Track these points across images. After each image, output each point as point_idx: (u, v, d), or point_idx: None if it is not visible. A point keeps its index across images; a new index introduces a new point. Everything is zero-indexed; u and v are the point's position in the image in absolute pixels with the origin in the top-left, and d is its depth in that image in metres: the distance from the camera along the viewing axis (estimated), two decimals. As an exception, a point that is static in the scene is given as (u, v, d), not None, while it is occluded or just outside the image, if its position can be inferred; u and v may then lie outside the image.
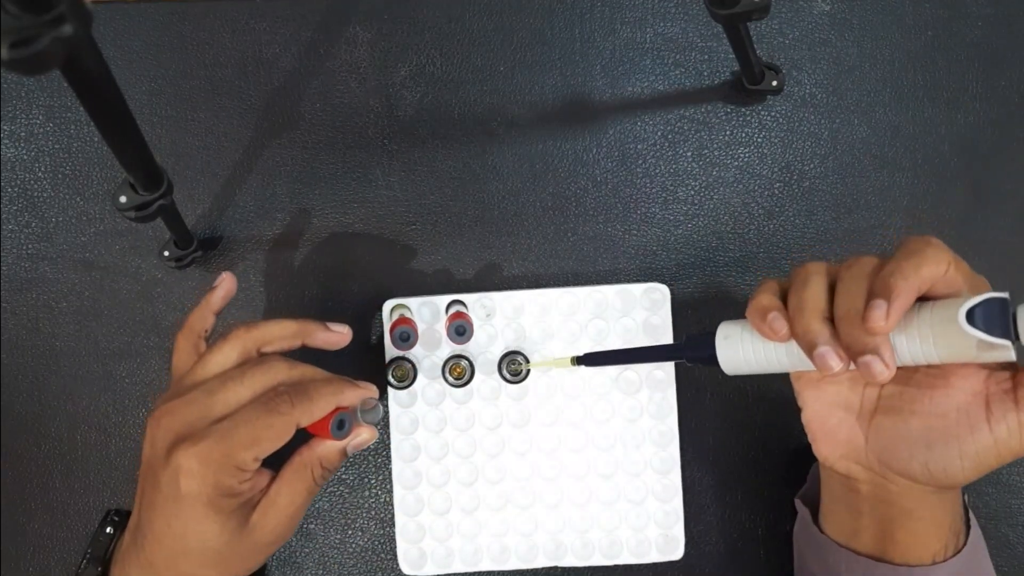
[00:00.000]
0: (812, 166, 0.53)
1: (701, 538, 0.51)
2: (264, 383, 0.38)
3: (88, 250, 0.53)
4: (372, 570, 0.52)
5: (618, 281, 0.52)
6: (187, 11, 0.54)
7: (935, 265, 0.32)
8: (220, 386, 0.37)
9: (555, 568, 0.51)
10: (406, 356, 0.50)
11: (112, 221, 0.53)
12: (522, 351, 0.50)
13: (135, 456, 0.52)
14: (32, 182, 0.53)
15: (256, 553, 0.38)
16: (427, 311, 0.50)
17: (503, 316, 0.51)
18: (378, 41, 0.54)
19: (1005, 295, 0.31)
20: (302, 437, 0.39)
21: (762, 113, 0.53)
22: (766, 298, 0.36)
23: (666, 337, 0.50)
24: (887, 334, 0.32)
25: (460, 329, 0.48)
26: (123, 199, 0.41)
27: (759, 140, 0.53)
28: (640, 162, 0.53)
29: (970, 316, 0.31)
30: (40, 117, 0.54)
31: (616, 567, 0.50)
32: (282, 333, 0.41)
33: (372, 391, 0.41)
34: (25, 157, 0.54)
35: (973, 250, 0.51)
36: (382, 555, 0.52)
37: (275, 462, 0.39)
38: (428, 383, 0.50)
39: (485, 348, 0.51)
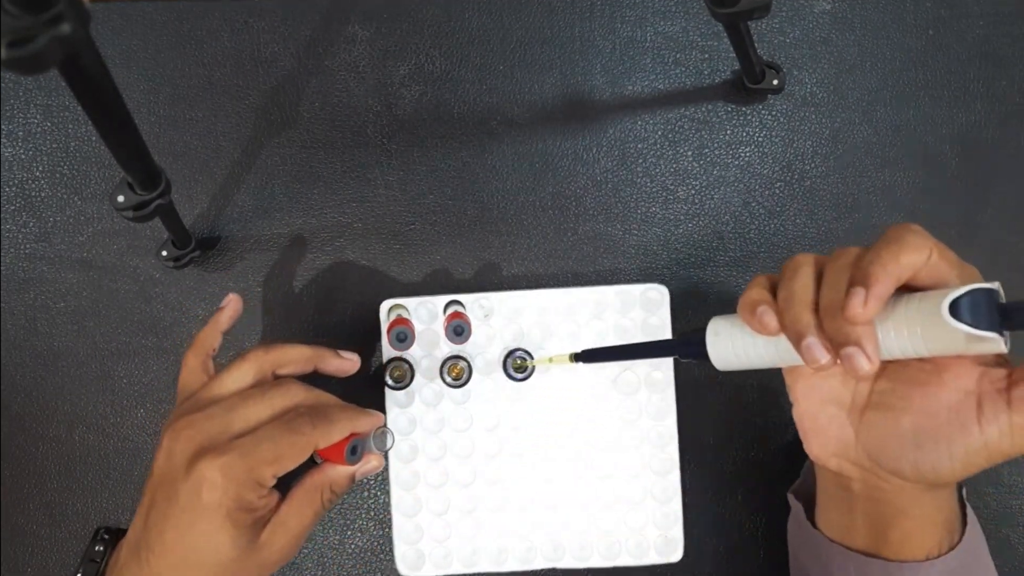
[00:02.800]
0: (813, 165, 0.53)
1: (701, 539, 0.51)
2: (283, 403, 0.39)
3: (86, 250, 0.53)
4: (371, 571, 0.52)
5: (618, 281, 0.52)
6: (185, 10, 0.54)
7: (915, 252, 0.31)
8: (240, 403, 0.38)
9: (553, 570, 0.51)
10: (403, 356, 0.50)
11: (110, 221, 0.53)
12: (522, 351, 0.50)
13: (133, 456, 0.52)
14: (30, 182, 0.53)
15: (261, 570, 0.39)
16: (425, 311, 0.50)
17: (501, 316, 0.50)
18: (377, 40, 0.54)
19: (992, 285, 0.30)
20: (307, 462, 0.40)
21: (763, 112, 0.53)
22: (756, 292, 0.35)
23: (664, 336, 0.50)
24: (869, 324, 0.31)
25: (458, 329, 0.48)
26: (121, 199, 0.41)
27: (760, 139, 0.53)
28: (640, 161, 0.53)
29: (955, 307, 0.29)
30: (38, 116, 0.53)
31: (615, 569, 0.50)
32: (297, 357, 0.42)
33: (382, 419, 0.43)
34: (23, 156, 0.53)
35: (973, 249, 0.52)
36: (380, 556, 0.51)
37: (282, 485, 0.39)
38: (426, 384, 0.50)
39: (483, 348, 0.50)
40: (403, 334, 0.48)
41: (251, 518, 0.37)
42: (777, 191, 0.53)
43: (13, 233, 0.53)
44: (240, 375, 0.40)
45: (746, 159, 0.53)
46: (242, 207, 0.53)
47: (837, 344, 0.32)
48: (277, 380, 0.41)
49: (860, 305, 0.30)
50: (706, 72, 0.53)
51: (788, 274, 0.35)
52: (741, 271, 0.52)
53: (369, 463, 0.42)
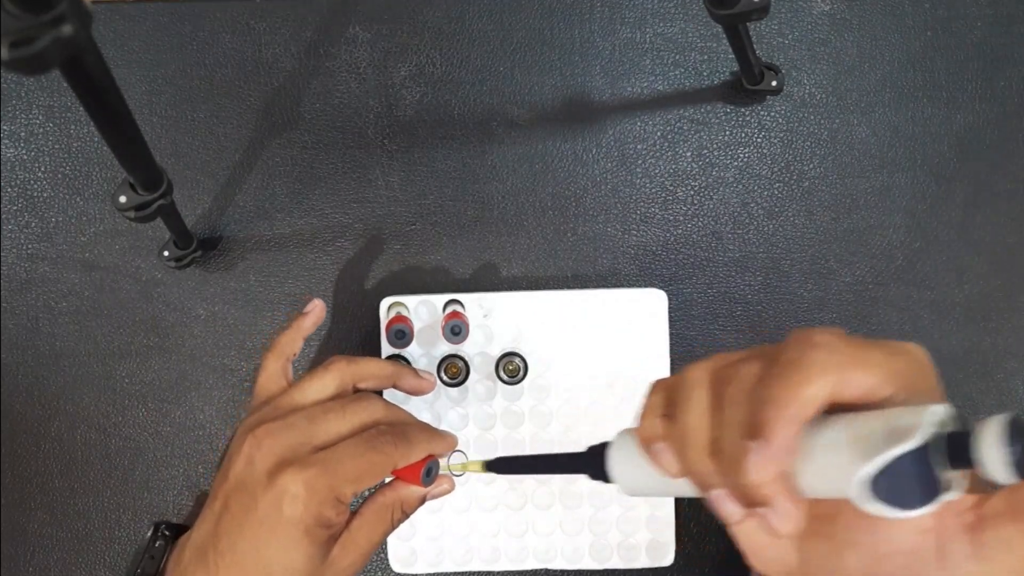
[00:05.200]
0: (812, 166, 0.53)
1: (701, 538, 0.51)
2: (364, 420, 0.38)
3: (88, 250, 0.53)
4: (370, 569, 0.52)
5: (617, 282, 0.52)
6: (187, 11, 0.54)
7: (820, 379, 0.25)
8: (322, 415, 0.37)
9: (545, 570, 0.51)
10: (401, 354, 0.50)
11: (112, 221, 0.53)
12: (520, 352, 0.50)
13: (135, 455, 0.52)
14: (32, 182, 0.53)
15: None
16: (424, 310, 0.50)
17: (500, 317, 0.51)
18: (378, 41, 0.54)
19: (916, 443, 0.23)
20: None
21: (762, 113, 0.53)
22: (648, 423, 0.31)
23: (662, 342, 0.50)
24: (775, 481, 0.26)
25: (456, 329, 0.48)
26: (123, 199, 0.41)
27: (759, 140, 0.53)
28: (640, 162, 0.53)
29: (876, 482, 0.23)
30: (40, 117, 0.54)
31: (606, 571, 0.50)
32: (378, 372, 0.42)
33: (457, 441, 0.42)
34: (25, 157, 0.54)
35: (973, 250, 0.52)
36: (380, 554, 0.52)
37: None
38: None
39: (481, 348, 0.51)
40: (402, 332, 0.48)
41: (327, 535, 0.36)
42: (776, 192, 0.53)
43: (15, 233, 0.53)
44: (322, 385, 0.39)
45: (745, 160, 0.53)
46: (244, 207, 0.53)
47: (747, 502, 0.27)
48: (358, 394, 0.40)
49: (760, 467, 0.26)
50: (705, 73, 0.54)
51: (680, 400, 0.30)
52: (740, 272, 0.52)
53: (441, 486, 0.41)
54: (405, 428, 0.39)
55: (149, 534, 0.39)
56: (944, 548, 0.26)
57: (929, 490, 0.23)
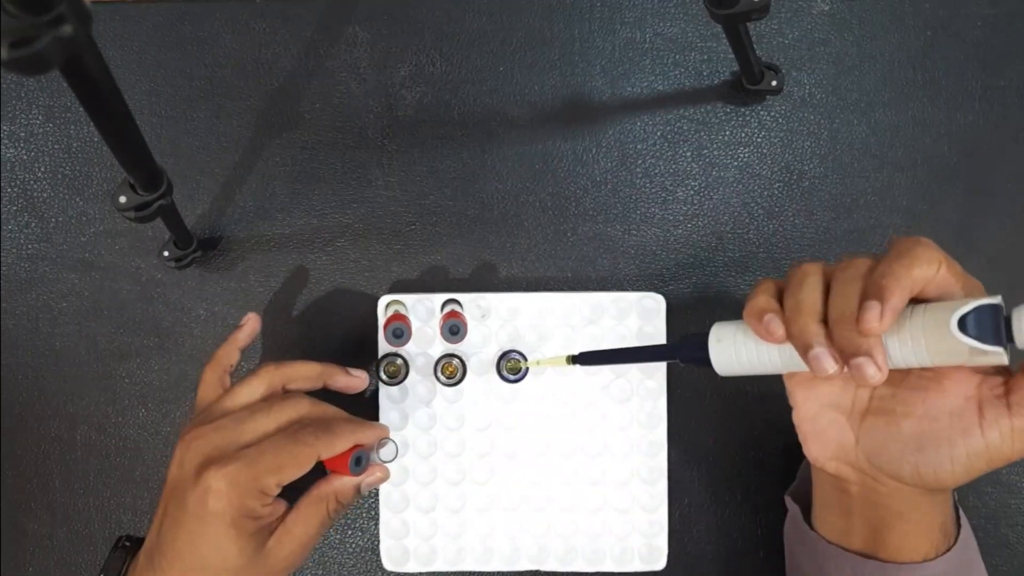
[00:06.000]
0: (812, 166, 0.53)
1: (700, 538, 0.51)
2: (289, 416, 0.41)
3: (88, 250, 0.53)
4: (371, 570, 0.52)
5: (617, 282, 0.52)
6: (187, 11, 0.54)
7: (927, 265, 0.32)
8: (249, 416, 0.40)
9: (537, 572, 0.51)
10: (399, 352, 0.50)
11: (112, 221, 0.53)
12: (517, 353, 0.50)
13: (134, 455, 0.52)
14: (32, 182, 0.53)
15: None
16: (422, 309, 0.50)
17: (498, 317, 0.51)
18: (378, 41, 0.54)
19: (996, 300, 0.31)
20: (318, 472, 0.41)
21: (762, 113, 0.53)
22: (763, 299, 0.36)
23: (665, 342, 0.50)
24: (880, 336, 0.32)
25: (454, 328, 0.48)
26: (123, 199, 0.41)
27: (759, 140, 0.53)
28: (639, 162, 0.53)
29: (962, 323, 0.31)
30: (40, 117, 0.54)
31: (598, 574, 0.50)
32: (307, 374, 0.44)
33: (387, 431, 0.44)
34: (25, 157, 0.54)
35: (973, 250, 0.52)
36: (369, 551, 0.52)
37: (292, 495, 0.41)
38: (420, 380, 0.51)
39: (478, 348, 0.51)
40: (399, 330, 0.48)
41: (256, 526, 0.38)
42: (776, 192, 0.53)
43: (15, 233, 0.53)
44: (251, 389, 0.42)
45: (745, 160, 0.53)
46: (243, 208, 0.53)
47: (846, 354, 0.32)
48: (285, 394, 0.43)
49: (875, 319, 0.31)
50: (705, 73, 0.54)
51: (795, 282, 0.35)
52: (740, 271, 0.52)
53: (374, 474, 0.43)
54: (330, 421, 0.41)
55: (111, 548, 0.42)
56: (983, 409, 0.33)
57: (1000, 337, 0.30)
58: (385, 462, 0.44)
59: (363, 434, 0.42)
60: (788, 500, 0.45)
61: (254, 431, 0.39)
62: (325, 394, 0.44)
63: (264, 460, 0.38)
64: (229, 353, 0.45)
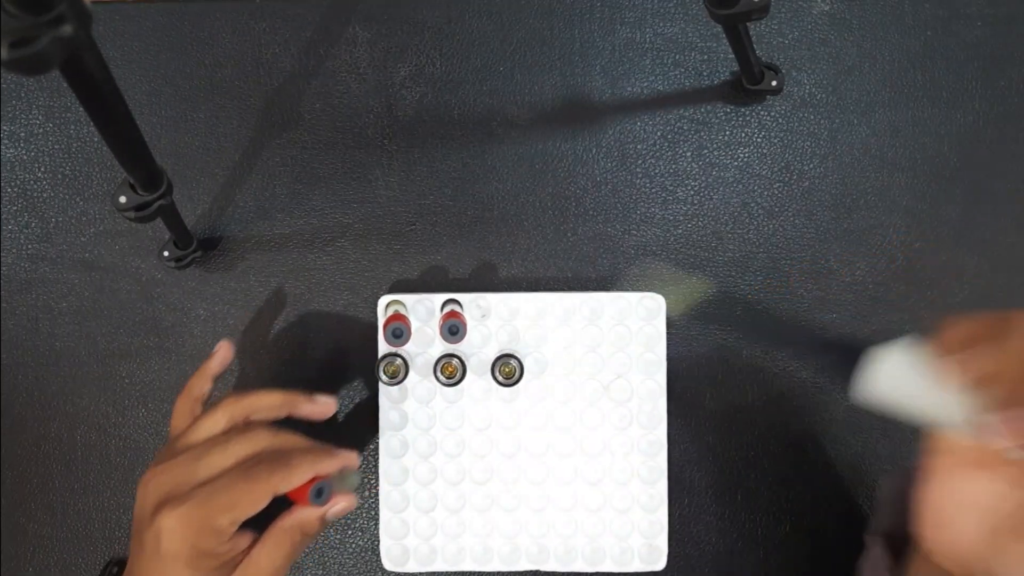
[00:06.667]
0: (812, 166, 0.53)
1: (700, 538, 0.51)
2: (247, 450, 0.40)
3: (88, 250, 0.53)
4: (372, 570, 0.52)
5: (617, 281, 0.52)
6: (187, 11, 0.54)
7: None
8: (205, 452, 0.39)
9: (537, 572, 0.51)
10: (398, 352, 0.50)
11: (112, 221, 0.53)
12: (515, 354, 0.50)
13: (134, 455, 0.52)
14: (32, 182, 0.53)
15: None
16: (422, 309, 0.50)
17: (498, 318, 0.51)
18: (378, 41, 0.54)
19: None
20: (285, 501, 0.40)
21: (762, 113, 0.53)
22: (964, 331, 0.31)
23: (659, 346, 0.50)
24: None
25: (453, 328, 0.48)
26: (123, 199, 0.41)
27: (759, 140, 0.53)
28: (639, 162, 0.53)
29: None
30: (40, 117, 0.54)
31: (598, 574, 0.50)
32: (269, 404, 0.43)
33: (350, 460, 0.43)
34: (25, 157, 0.54)
35: (973, 250, 0.52)
36: (369, 551, 0.52)
37: (262, 524, 0.40)
38: (419, 380, 0.50)
39: (478, 349, 0.51)
40: (399, 330, 0.48)
41: (214, 563, 0.38)
42: (776, 192, 0.53)
43: (15, 234, 0.53)
44: (211, 423, 0.41)
45: (745, 160, 0.53)
46: (243, 208, 0.53)
47: None
48: (244, 427, 0.42)
49: None
50: (705, 73, 0.54)
51: (1007, 329, 0.30)
52: (740, 271, 0.52)
53: (338, 504, 0.42)
54: (287, 454, 0.40)
55: (99, 572, 0.42)
56: None
57: None
58: (348, 489, 0.43)
59: (322, 465, 0.41)
60: (872, 542, 0.41)
61: (210, 467, 0.39)
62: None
63: (217, 499, 0.37)
64: (201, 383, 0.45)
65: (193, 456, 0.39)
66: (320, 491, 0.40)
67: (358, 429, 0.52)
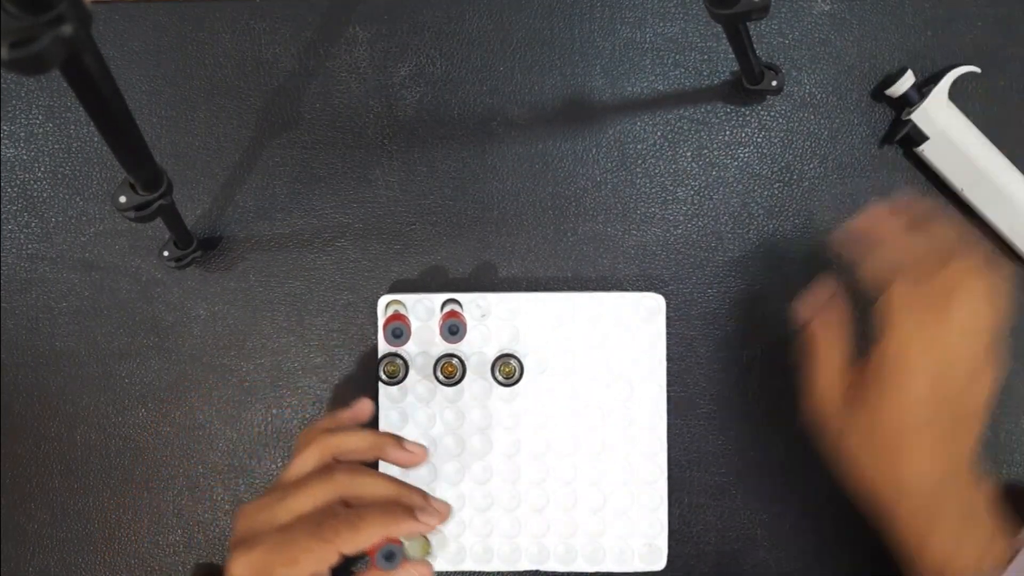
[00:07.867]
0: (812, 166, 0.53)
1: (700, 538, 0.51)
2: (325, 496, 0.39)
3: (88, 250, 0.53)
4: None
5: (617, 282, 0.52)
6: (187, 11, 0.54)
7: None
8: (288, 494, 0.39)
9: (537, 572, 0.51)
10: (398, 352, 0.50)
11: (112, 221, 0.53)
12: (515, 354, 0.50)
13: (135, 456, 0.52)
14: (32, 182, 0.53)
15: None
16: (422, 308, 0.50)
17: (498, 317, 0.51)
18: (378, 41, 0.54)
19: None
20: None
21: (762, 113, 0.53)
22: None
23: (659, 346, 0.50)
24: None
25: (453, 328, 0.48)
26: (123, 199, 0.41)
27: (759, 140, 0.53)
28: (640, 162, 0.53)
29: None
30: (40, 117, 0.54)
31: (598, 574, 0.50)
32: (359, 445, 0.43)
33: (432, 525, 0.41)
34: (25, 157, 0.54)
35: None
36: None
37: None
38: (419, 380, 0.50)
39: (478, 348, 0.51)
40: (399, 330, 0.48)
41: None
42: (776, 192, 0.53)
43: (15, 233, 0.53)
44: (303, 463, 0.41)
45: (745, 160, 0.53)
46: (243, 207, 0.53)
47: None
48: (326, 469, 0.41)
49: None
50: (705, 73, 0.54)
51: None
52: (740, 271, 0.52)
53: (408, 573, 0.40)
54: (360, 511, 0.39)
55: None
56: None
57: None
58: (423, 557, 0.41)
59: (396, 527, 0.39)
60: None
61: (290, 511, 0.39)
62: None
63: (283, 552, 0.37)
64: (330, 424, 0.44)
65: (277, 497, 0.39)
66: (390, 555, 0.38)
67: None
